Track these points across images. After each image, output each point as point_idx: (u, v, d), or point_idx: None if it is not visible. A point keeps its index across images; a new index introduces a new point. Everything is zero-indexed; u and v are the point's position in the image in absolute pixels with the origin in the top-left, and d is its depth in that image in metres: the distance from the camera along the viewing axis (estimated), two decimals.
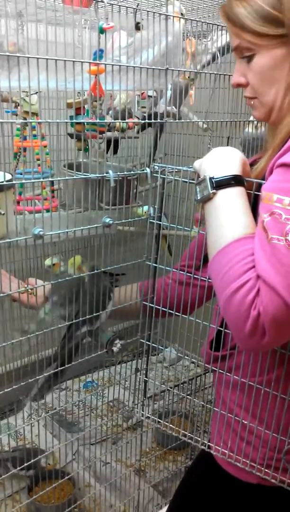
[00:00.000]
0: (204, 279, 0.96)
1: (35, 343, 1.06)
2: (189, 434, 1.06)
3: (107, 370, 2.44)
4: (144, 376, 1.16)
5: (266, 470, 0.93)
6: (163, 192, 1.02)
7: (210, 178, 0.79)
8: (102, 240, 1.10)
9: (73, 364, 1.14)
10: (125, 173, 1.16)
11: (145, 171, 1.07)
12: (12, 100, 1.14)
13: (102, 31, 1.02)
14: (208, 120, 1.45)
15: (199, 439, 1.04)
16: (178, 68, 1.21)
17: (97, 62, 1.02)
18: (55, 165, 1.36)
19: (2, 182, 0.98)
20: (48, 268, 1.18)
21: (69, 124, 1.21)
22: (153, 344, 1.12)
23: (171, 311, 1.04)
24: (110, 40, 1.15)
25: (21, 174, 1.18)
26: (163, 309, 1.05)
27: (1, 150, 1.00)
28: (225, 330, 0.96)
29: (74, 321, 1.11)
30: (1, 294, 1.01)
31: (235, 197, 0.78)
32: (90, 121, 1.14)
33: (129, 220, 1.15)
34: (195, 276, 1.08)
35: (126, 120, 1.30)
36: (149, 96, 1.42)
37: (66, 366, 1.13)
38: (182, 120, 1.43)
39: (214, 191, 0.78)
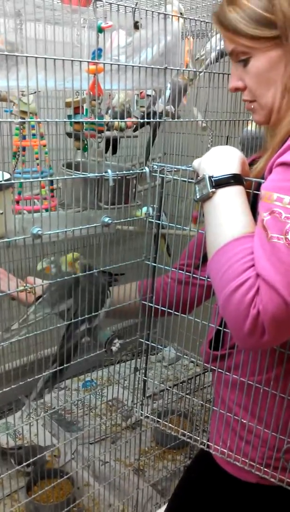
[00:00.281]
0: (203, 278, 0.97)
1: (26, 343, 1.06)
2: (188, 433, 1.06)
3: (106, 369, 2.44)
4: (143, 375, 1.16)
5: (265, 469, 0.93)
6: (162, 191, 1.02)
7: (209, 177, 0.79)
8: (101, 239, 1.10)
9: (72, 364, 1.14)
10: (124, 172, 1.16)
11: (144, 170, 1.07)
12: (10, 100, 1.13)
13: (100, 30, 1.02)
14: (207, 120, 1.45)
15: (198, 438, 1.04)
16: (177, 67, 1.21)
17: (96, 61, 1.02)
18: (54, 164, 1.36)
19: (1, 181, 0.98)
20: (41, 272, 1.18)
21: (67, 123, 1.21)
22: (152, 344, 1.12)
23: (170, 310, 1.04)
24: (109, 39, 1.15)
25: (20, 173, 1.18)
26: (162, 308, 1.05)
27: (0, 149, 1.00)
28: (224, 329, 0.96)
29: (72, 320, 1.11)
30: (0, 294, 1.01)
31: (234, 196, 0.78)
32: (89, 120, 1.14)
33: (128, 219, 1.15)
34: (194, 275, 1.08)
35: (125, 119, 1.30)
36: (148, 95, 1.42)
37: (66, 365, 1.13)
38: (181, 119, 1.43)
39: (213, 190, 0.78)
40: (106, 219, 1.06)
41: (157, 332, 2.61)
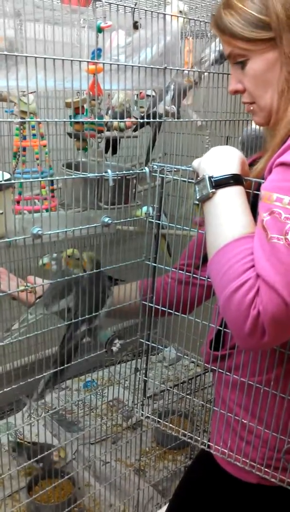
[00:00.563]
0: (204, 278, 0.96)
1: (26, 343, 1.06)
2: (188, 434, 1.06)
3: (107, 369, 2.44)
4: (143, 375, 1.16)
5: (266, 469, 0.93)
6: (162, 192, 1.01)
7: (209, 178, 0.79)
8: (101, 239, 1.10)
9: (73, 364, 1.14)
10: (124, 172, 1.16)
11: (144, 170, 1.07)
12: (9, 100, 1.13)
13: (100, 30, 1.02)
14: (207, 120, 1.45)
15: (199, 438, 1.04)
16: (177, 67, 1.21)
17: (95, 61, 1.02)
18: (54, 164, 1.36)
19: (1, 181, 0.98)
20: (41, 268, 1.18)
21: (68, 123, 1.21)
22: (153, 344, 1.12)
23: (171, 311, 1.04)
24: (108, 39, 1.15)
25: (20, 173, 1.18)
26: (163, 308, 1.05)
27: (1, 149, 1.00)
28: (225, 330, 0.96)
29: (73, 320, 1.11)
30: (0, 294, 1.01)
31: (234, 196, 0.78)
32: (88, 120, 1.14)
33: (128, 219, 1.15)
34: (194, 275, 1.08)
35: (124, 120, 1.30)
36: (148, 96, 1.42)
37: (66, 365, 1.13)
38: (181, 120, 1.42)
39: (213, 190, 0.78)
40: (106, 219, 1.06)
41: (157, 332, 2.61)
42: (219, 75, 1.39)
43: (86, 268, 1.12)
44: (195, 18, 1.30)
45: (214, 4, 1.47)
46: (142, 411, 1.16)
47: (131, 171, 1.20)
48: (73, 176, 1.12)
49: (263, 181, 0.77)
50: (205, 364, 1.02)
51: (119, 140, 1.40)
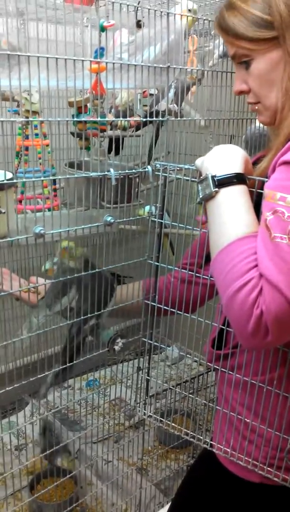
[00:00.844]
0: (207, 277, 0.96)
1: (29, 342, 1.06)
2: (191, 433, 1.06)
3: (109, 368, 2.45)
4: (146, 374, 1.16)
5: (269, 468, 0.93)
6: (165, 190, 1.01)
7: (212, 177, 0.79)
8: (104, 238, 1.09)
9: (75, 363, 1.14)
10: (127, 171, 1.16)
11: (146, 169, 1.07)
12: (13, 99, 1.13)
13: (103, 29, 1.02)
14: (210, 118, 1.44)
15: (201, 437, 1.04)
16: (180, 66, 1.20)
17: (98, 60, 1.02)
18: (57, 164, 1.36)
19: (3, 181, 0.98)
20: (44, 273, 1.18)
21: (70, 122, 1.21)
22: (156, 343, 1.12)
23: (174, 310, 1.04)
24: (111, 38, 1.15)
25: (22, 173, 1.18)
26: (166, 307, 1.05)
27: (3, 149, 1.00)
28: (228, 329, 0.95)
29: (82, 316, 1.10)
30: (2, 293, 1.01)
31: (237, 195, 0.78)
32: (91, 119, 1.14)
33: (131, 218, 1.15)
34: (197, 274, 1.07)
35: (127, 118, 1.30)
36: (151, 94, 1.42)
37: (74, 362, 1.12)
38: (184, 118, 1.42)
39: (217, 189, 0.78)
40: (109, 218, 1.06)
41: (160, 331, 2.62)
42: (223, 73, 1.38)
43: (75, 262, 1.11)
44: (199, 17, 1.29)
45: (218, 2, 1.46)
46: (145, 410, 1.16)
47: (133, 170, 1.20)
48: (76, 175, 1.12)
49: (266, 179, 0.77)
50: (208, 363, 1.01)
51: (122, 139, 1.39)
